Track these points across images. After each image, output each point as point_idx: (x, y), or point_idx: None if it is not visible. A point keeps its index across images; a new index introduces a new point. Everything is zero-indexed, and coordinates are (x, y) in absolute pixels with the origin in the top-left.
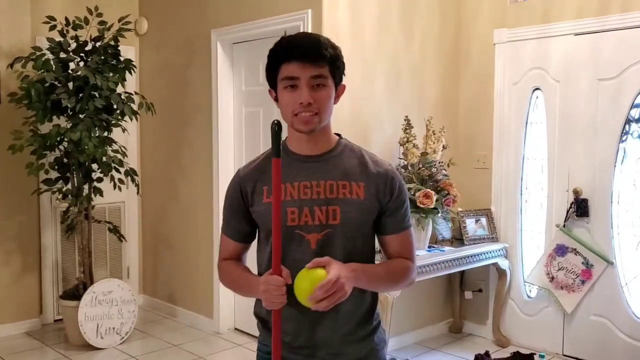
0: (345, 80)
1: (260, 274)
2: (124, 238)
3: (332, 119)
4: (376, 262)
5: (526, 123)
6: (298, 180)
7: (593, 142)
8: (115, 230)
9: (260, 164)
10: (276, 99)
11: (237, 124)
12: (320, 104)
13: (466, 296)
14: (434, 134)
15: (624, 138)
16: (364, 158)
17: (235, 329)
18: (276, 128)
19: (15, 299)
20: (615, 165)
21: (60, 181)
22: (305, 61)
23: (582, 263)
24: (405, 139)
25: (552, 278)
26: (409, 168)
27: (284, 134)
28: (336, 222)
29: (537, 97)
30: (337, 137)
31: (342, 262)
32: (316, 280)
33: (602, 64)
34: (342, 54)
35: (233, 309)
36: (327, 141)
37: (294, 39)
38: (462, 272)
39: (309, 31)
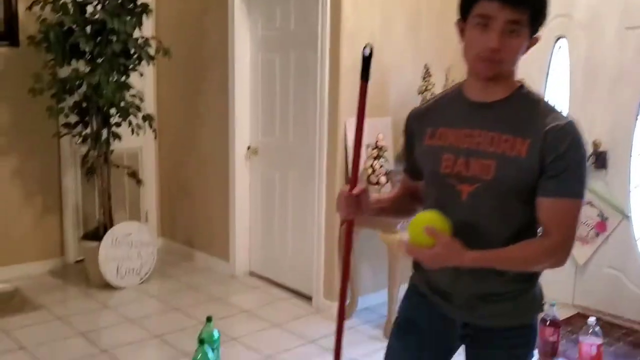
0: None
1: None
2: (142, 182)
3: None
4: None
5: (547, 73)
6: (461, 127)
7: (616, 93)
8: (133, 174)
9: (431, 105)
10: (462, 33)
11: (254, 70)
12: (507, 53)
13: None
14: (453, 82)
15: None
16: (539, 110)
17: (251, 272)
18: (367, 52)
19: (38, 239)
20: (637, 118)
21: (80, 125)
22: (506, 2)
23: (597, 215)
24: (424, 88)
25: None
26: None
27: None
28: (488, 178)
29: (559, 46)
30: (517, 85)
31: (489, 223)
32: (418, 239)
33: (630, 11)
34: (548, 2)
35: (249, 253)
36: (504, 89)
37: None
38: None
39: None
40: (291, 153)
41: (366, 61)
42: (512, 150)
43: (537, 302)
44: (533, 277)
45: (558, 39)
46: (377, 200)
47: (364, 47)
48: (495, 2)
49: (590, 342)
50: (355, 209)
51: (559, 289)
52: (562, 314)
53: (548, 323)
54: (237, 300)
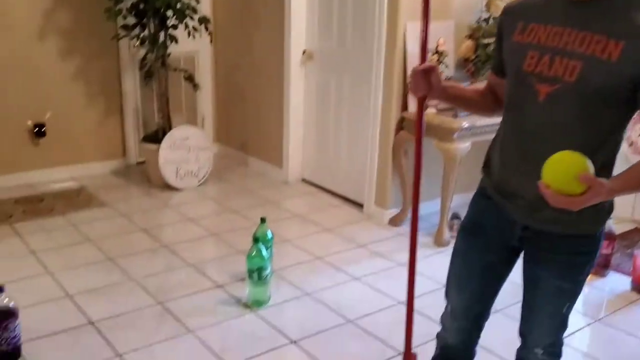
0: None
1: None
2: (198, 86)
3: None
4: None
5: None
6: (551, 24)
7: None
8: (190, 78)
9: (526, 0)
10: None
11: None
12: None
13: None
14: None
15: None
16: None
17: (303, 179)
18: None
19: (100, 140)
20: None
21: (138, 27)
22: None
23: None
24: None
25: (631, 143)
26: (491, 21)
27: None
28: (571, 80)
29: None
30: None
31: (565, 129)
32: (568, 187)
33: None
34: None
35: (301, 159)
36: None
37: None
38: None
39: None
40: (348, 58)
41: None
42: (603, 52)
43: (604, 213)
44: None
45: None
46: (452, 86)
47: None
48: None
49: None
50: (426, 86)
51: (618, 202)
52: (619, 228)
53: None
54: (289, 205)
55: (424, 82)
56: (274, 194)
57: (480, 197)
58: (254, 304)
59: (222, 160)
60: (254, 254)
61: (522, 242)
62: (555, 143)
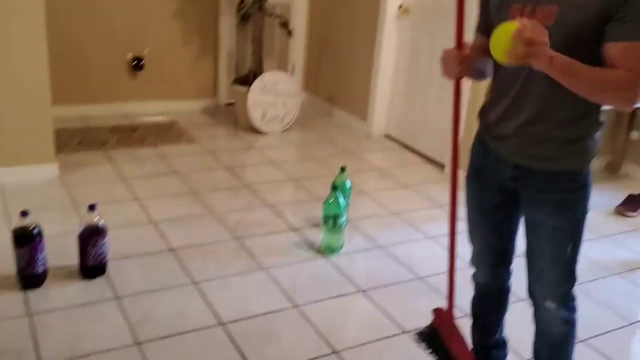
0: None
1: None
2: (292, 34)
3: None
4: None
5: None
6: None
7: None
8: (285, 24)
9: None
10: None
11: None
12: None
13: (632, 136)
14: None
15: None
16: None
17: (387, 135)
18: None
19: (194, 79)
20: None
21: None
22: None
23: None
24: None
25: None
26: None
27: None
28: (550, 23)
29: None
30: None
31: None
32: (512, 29)
33: None
34: None
35: (386, 115)
36: None
37: None
38: (634, 110)
39: None
40: (444, 15)
41: None
42: None
43: (589, 151)
44: (588, 124)
45: None
46: (475, 57)
47: None
48: None
49: None
50: (464, 69)
51: None
52: None
53: None
54: (370, 158)
55: (464, 64)
56: (356, 147)
57: (478, 143)
58: (327, 250)
59: (308, 108)
60: (331, 201)
61: (515, 182)
62: (540, 84)
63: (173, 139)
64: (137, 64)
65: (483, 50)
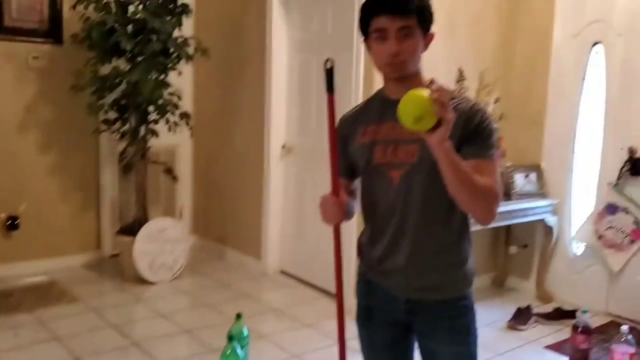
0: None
1: (362, 208)
2: (177, 179)
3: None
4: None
5: (583, 78)
6: (386, 121)
7: None
8: (169, 171)
9: (359, 109)
10: (369, 49)
11: (290, 71)
12: (407, 54)
13: (511, 251)
14: (487, 87)
15: None
16: (450, 99)
17: (282, 271)
18: (329, 66)
19: (75, 232)
20: None
21: (119, 122)
22: (394, 14)
23: (633, 222)
24: (458, 91)
25: (600, 236)
26: None
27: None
28: (413, 160)
29: (596, 52)
30: (429, 81)
31: (421, 202)
32: (424, 94)
33: None
34: (430, 3)
35: (279, 251)
36: (416, 85)
37: None
38: (508, 226)
39: None
40: (325, 154)
41: (329, 74)
42: None
43: (469, 276)
44: (464, 248)
45: (595, 44)
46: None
47: (326, 61)
48: (384, 16)
49: (623, 351)
50: (342, 214)
51: (592, 296)
52: (594, 322)
53: (580, 330)
54: (267, 299)
55: (341, 211)
56: (251, 287)
57: (362, 283)
58: None
59: (199, 252)
60: (228, 352)
61: (408, 315)
62: (414, 215)
63: (53, 301)
64: (11, 224)
65: (348, 191)
